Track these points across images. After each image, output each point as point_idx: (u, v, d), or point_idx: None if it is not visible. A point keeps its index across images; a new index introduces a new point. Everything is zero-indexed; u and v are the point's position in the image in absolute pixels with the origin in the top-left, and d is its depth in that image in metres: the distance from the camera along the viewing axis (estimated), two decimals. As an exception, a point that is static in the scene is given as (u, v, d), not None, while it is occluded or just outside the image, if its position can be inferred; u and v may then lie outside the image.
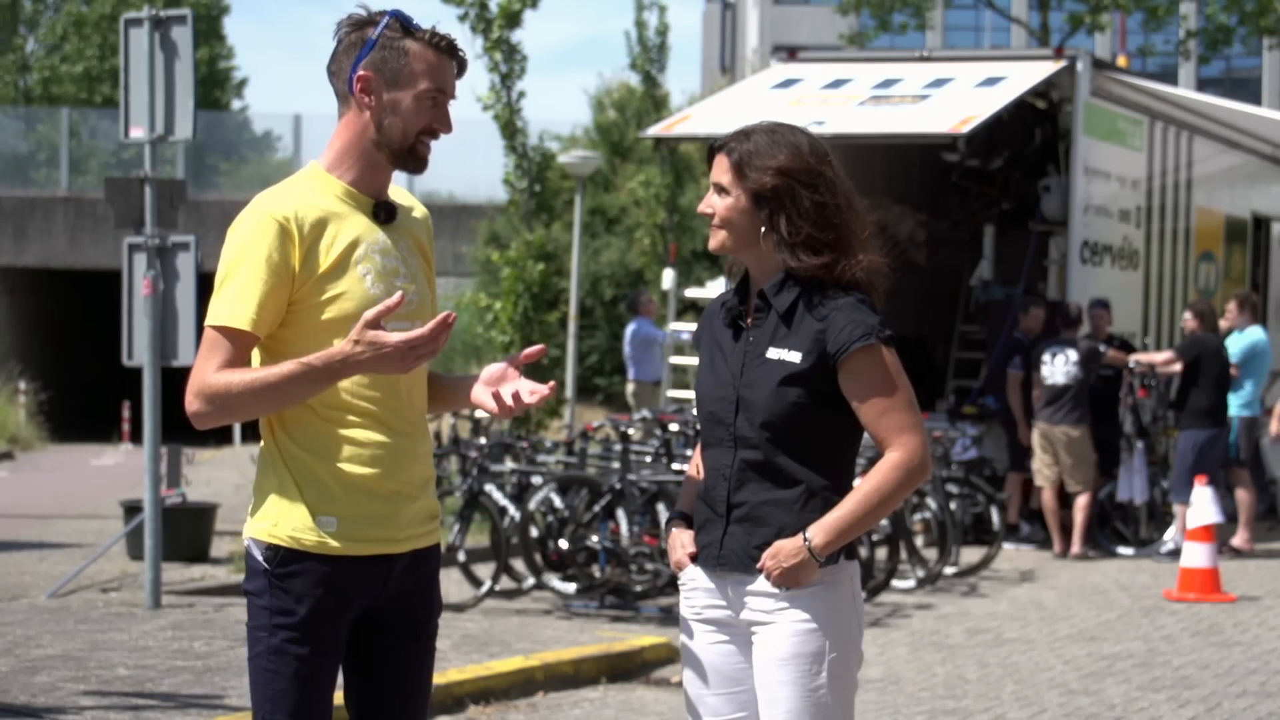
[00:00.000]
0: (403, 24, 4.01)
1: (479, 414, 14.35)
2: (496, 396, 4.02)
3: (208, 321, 3.95)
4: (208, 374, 3.91)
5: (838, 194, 4.15)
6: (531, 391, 4.01)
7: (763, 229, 4.15)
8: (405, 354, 3.82)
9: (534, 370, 17.41)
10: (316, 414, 3.97)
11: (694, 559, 4.26)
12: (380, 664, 4.13)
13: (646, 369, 19.58)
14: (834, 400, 4.12)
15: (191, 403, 3.93)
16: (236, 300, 3.91)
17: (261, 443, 4.09)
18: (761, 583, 4.14)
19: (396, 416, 4.04)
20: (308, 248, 3.96)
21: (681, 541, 4.29)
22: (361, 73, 4.00)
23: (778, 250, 4.14)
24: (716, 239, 4.22)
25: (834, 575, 4.14)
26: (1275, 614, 11.81)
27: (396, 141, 4.03)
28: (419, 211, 4.24)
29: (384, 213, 4.09)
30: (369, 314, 3.82)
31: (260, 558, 4.00)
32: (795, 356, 4.11)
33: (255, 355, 4.02)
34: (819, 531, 4.08)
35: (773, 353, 4.14)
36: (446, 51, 4.04)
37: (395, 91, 4.00)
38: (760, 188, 4.13)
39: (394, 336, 3.81)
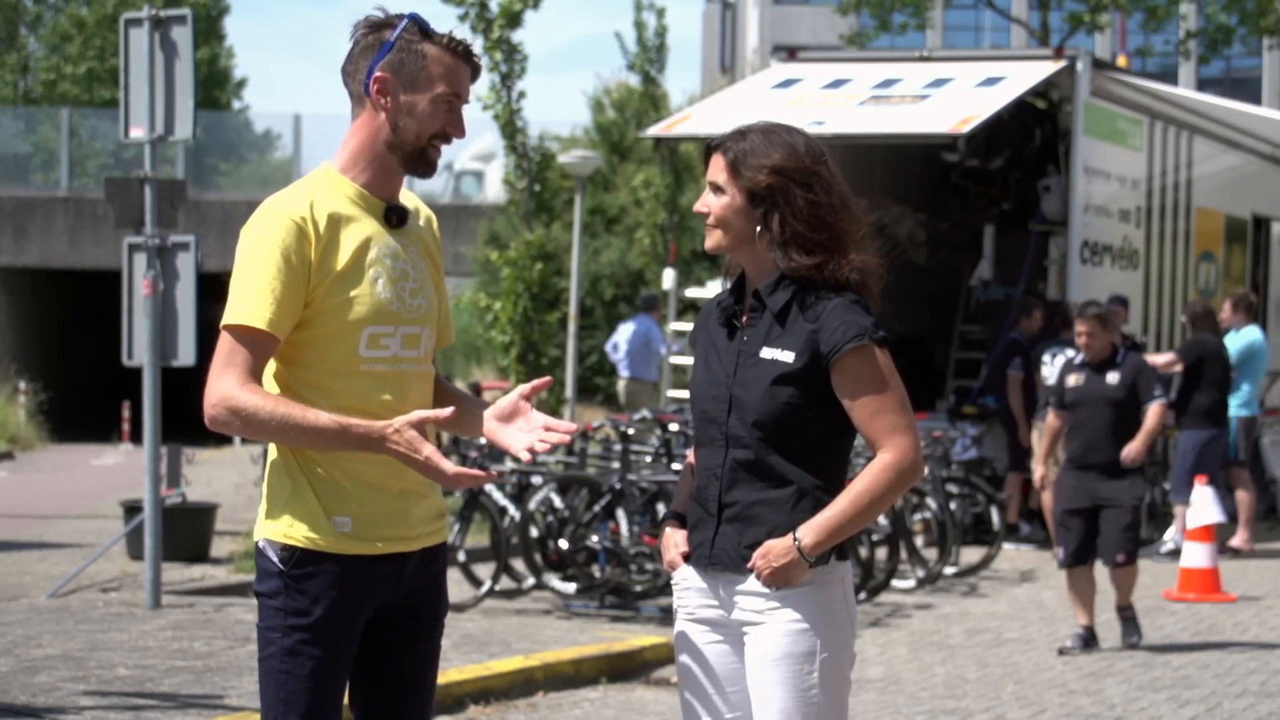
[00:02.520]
0: (421, 27, 4.02)
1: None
2: (530, 450, 4.01)
3: (226, 320, 3.92)
4: (233, 387, 3.89)
5: (833, 194, 4.15)
6: (560, 428, 4.01)
7: (757, 228, 4.16)
8: (428, 469, 3.89)
9: (534, 370, 17.43)
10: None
11: (687, 559, 4.27)
12: (390, 663, 4.14)
13: (645, 368, 19.57)
14: (827, 400, 4.12)
15: (214, 410, 3.91)
16: (255, 300, 3.90)
17: (270, 444, 4.09)
18: (753, 583, 4.14)
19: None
20: (324, 248, 3.96)
21: (675, 541, 4.29)
22: (379, 74, 4.00)
23: (770, 249, 4.15)
24: (712, 238, 4.23)
25: (825, 575, 4.14)
26: (1275, 614, 11.81)
27: (410, 144, 4.03)
28: (425, 214, 4.25)
29: (395, 217, 4.09)
30: (416, 415, 3.88)
31: (275, 559, 4.00)
32: (788, 356, 4.12)
33: None
34: (809, 531, 4.08)
35: (766, 352, 4.14)
36: (463, 56, 4.04)
37: (412, 94, 4.00)
38: (755, 186, 4.14)
39: (426, 449, 3.86)
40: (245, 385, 3.89)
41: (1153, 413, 10.36)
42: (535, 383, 4.04)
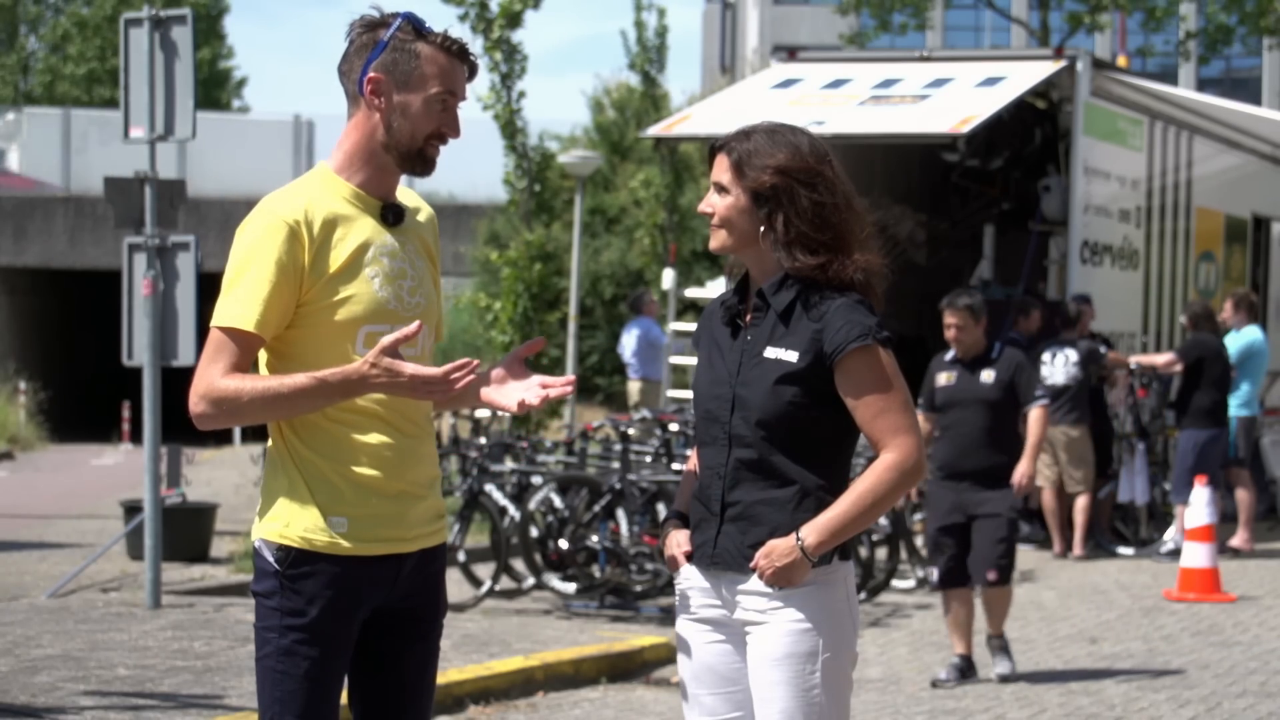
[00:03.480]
0: (415, 26, 4.01)
1: (479, 414, 14.43)
2: (521, 404, 3.99)
3: (214, 322, 3.94)
4: (214, 377, 3.90)
5: (836, 194, 4.16)
6: (556, 385, 4.00)
7: (761, 228, 4.16)
8: (418, 386, 3.84)
9: (534, 369, 17.43)
10: (326, 416, 3.98)
11: (689, 558, 4.27)
12: (388, 664, 4.14)
13: (653, 368, 19.59)
14: (830, 400, 4.13)
15: (197, 404, 3.92)
16: (243, 301, 3.91)
17: (268, 444, 4.09)
18: (755, 582, 4.14)
19: (402, 418, 4.05)
20: (317, 249, 3.96)
21: (677, 541, 4.30)
22: (372, 74, 3.99)
23: (774, 249, 4.15)
24: (717, 239, 4.23)
25: (827, 575, 4.14)
26: (1275, 614, 11.81)
27: (405, 144, 4.02)
28: (424, 212, 4.24)
29: (392, 215, 4.09)
30: (386, 340, 3.83)
31: (271, 559, 4.00)
32: (792, 356, 4.12)
33: (261, 356, 4.03)
34: (812, 531, 4.08)
35: (770, 352, 4.15)
36: (458, 55, 4.04)
37: (406, 94, 3.99)
38: (759, 186, 4.14)
39: (408, 368, 3.83)
40: (223, 376, 3.91)
41: (1034, 420, 9.30)
42: (529, 343, 4.06)
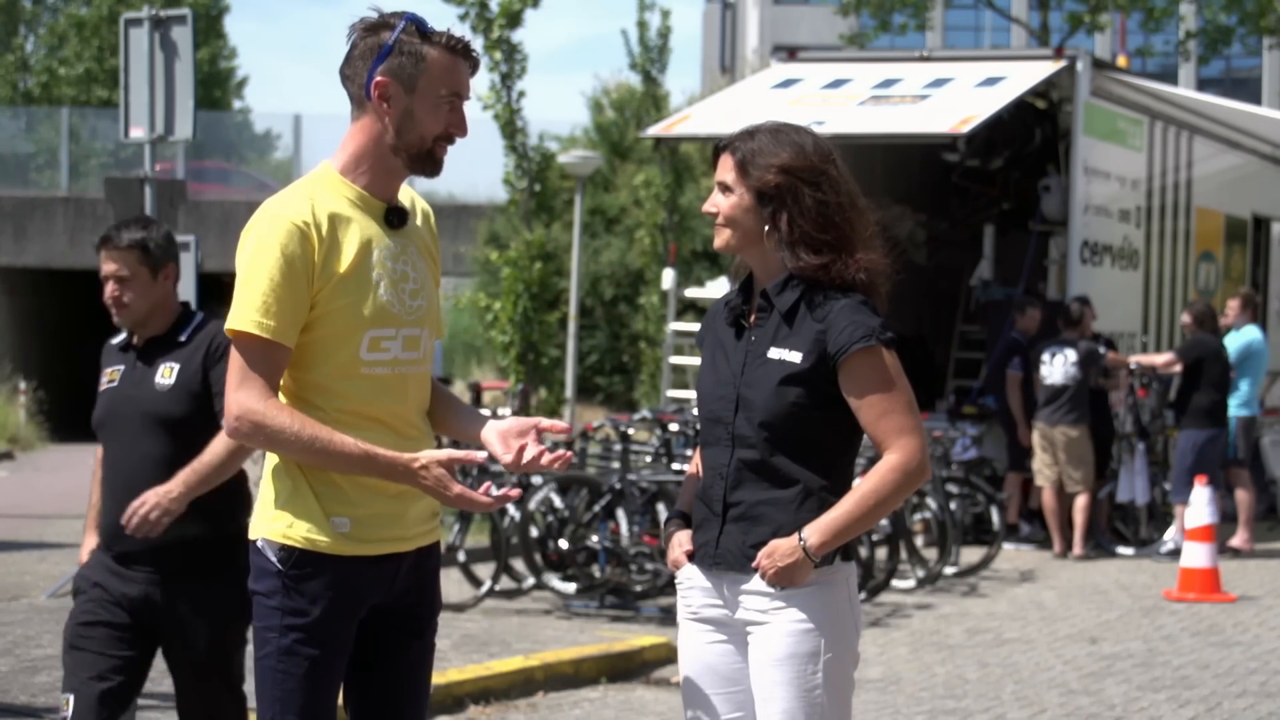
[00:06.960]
0: (419, 28, 3.99)
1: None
2: (521, 449, 3.97)
3: (232, 324, 3.91)
4: (257, 402, 3.89)
5: (841, 193, 4.16)
6: (551, 459, 4.00)
7: (765, 227, 4.16)
8: (458, 503, 3.92)
9: (534, 370, 17.43)
10: (329, 417, 3.98)
11: (691, 558, 4.27)
12: (385, 662, 4.14)
13: None
14: (834, 401, 4.12)
15: (238, 423, 3.91)
16: (261, 309, 3.88)
17: None
18: (757, 582, 4.14)
19: (402, 421, 4.06)
20: (327, 250, 3.94)
21: (679, 541, 4.30)
22: (379, 79, 3.97)
23: (778, 249, 4.15)
24: (721, 238, 4.23)
25: (830, 576, 4.14)
26: (1275, 614, 11.81)
27: (415, 146, 4.01)
28: (421, 210, 4.23)
29: (396, 218, 4.08)
30: (446, 454, 3.90)
31: (273, 559, 4.00)
32: (796, 356, 4.12)
33: None
34: (814, 532, 4.08)
35: (774, 352, 4.15)
36: (462, 54, 4.02)
37: (413, 97, 3.98)
38: (763, 185, 4.14)
39: (456, 487, 3.90)
40: (268, 400, 3.89)
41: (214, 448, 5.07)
42: (558, 424, 4.08)
